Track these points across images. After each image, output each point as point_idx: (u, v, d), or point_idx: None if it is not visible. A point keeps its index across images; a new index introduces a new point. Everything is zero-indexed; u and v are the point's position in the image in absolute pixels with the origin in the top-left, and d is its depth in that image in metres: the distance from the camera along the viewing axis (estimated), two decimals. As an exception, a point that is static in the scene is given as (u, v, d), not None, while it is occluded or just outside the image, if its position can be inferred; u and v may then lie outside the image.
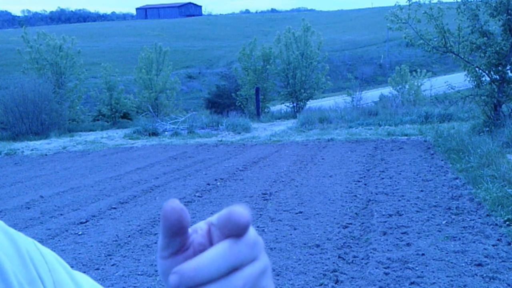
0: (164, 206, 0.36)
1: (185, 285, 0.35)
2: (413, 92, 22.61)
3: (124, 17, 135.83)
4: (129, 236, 4.84)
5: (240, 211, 0.36)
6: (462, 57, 10.14)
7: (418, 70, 24.54)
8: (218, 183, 7.17)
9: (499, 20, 9.66)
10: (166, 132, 14.53)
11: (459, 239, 4.18)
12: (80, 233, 5.03)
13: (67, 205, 6.28)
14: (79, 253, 4.39)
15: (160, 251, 0.39)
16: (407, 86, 23.06)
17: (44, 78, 17.56)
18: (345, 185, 6.61)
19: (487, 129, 9.69)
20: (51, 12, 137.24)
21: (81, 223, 5.39)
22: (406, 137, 11.13)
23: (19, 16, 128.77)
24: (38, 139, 14.57)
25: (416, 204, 5.37)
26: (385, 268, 3.64)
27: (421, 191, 5.98)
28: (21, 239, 0.51)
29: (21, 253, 0.49)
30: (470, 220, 4.68)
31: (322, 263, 3.85)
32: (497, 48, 9.65)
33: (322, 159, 8.83)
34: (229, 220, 0.36)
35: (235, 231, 0.36)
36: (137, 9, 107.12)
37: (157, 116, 18.25)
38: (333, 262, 3.84)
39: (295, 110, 20.08)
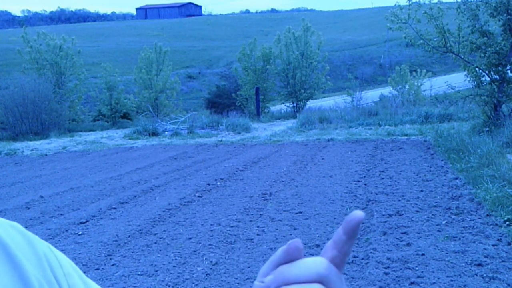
0: (290, 242, 0.41)
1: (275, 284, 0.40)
2: (413, 92, 22.61)
3: (124, 17, 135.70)
4: (129, 236, 4.84)
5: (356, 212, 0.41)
6: (462, 57, 10.14)
7: (418, 70, 24.55)
8: (218, 183, 7.17)
9: (499, 20, 9.66)
10: (166, 132, 14.54)
11: (459, 239, 4.17)
12: (80, 233, 5.03)
13: (67, 205, 6.28)
14: (79, 253, 4.39)
15: (261, 276, 0.43)
16: (407, 86, 23.07)
17: (44, 78, 17.57)
18: (345, 185, 6.61)
19: (487, 129, 9.69)
20: (51, 12, 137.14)
21: (81, 223, 5.39)
22: (406, 137, 11.12)
23: (19, 16, 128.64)
24: (38, 139, 14.57)
25: (416, 204, 5.37)
26: (385, 268, 3.64)
27: (421, 191, 5.98)
28: (38, 242, 0.52)
29: (39, 255, 0.50)
30: (470, 220, 4.68)
31: (322, 263, 3.84)
32: (497, 48, 9.65)
33: (322, 159, 8.83)
34: (346, 220, 0.40)
35: (352, 224, 0.40)
36: (137, 9, 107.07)
37: (157, 116, 18.25)
38: (333, 262, 3.83)
39: (295, 110, 20.09)
